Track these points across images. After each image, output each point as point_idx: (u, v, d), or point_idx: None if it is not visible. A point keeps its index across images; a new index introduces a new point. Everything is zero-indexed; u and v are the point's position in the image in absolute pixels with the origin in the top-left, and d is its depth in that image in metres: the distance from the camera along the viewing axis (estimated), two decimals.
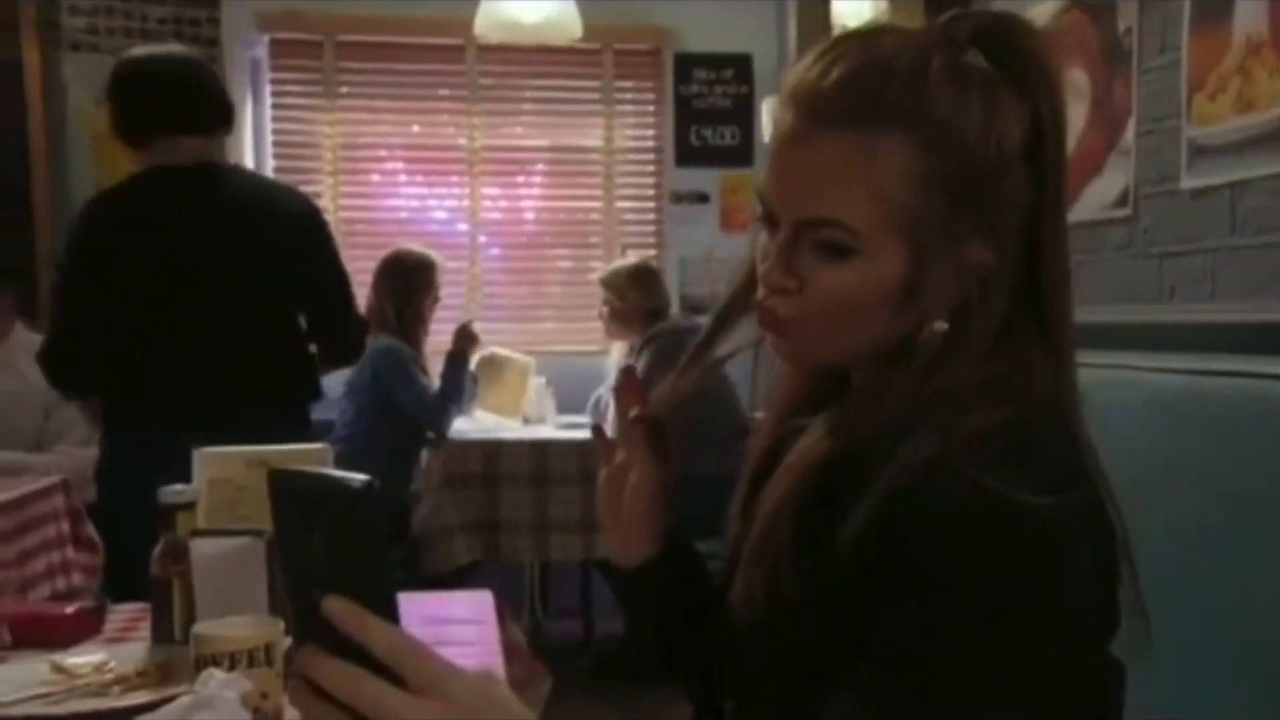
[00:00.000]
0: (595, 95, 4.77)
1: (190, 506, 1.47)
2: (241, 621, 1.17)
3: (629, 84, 4.80)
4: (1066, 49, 2.65)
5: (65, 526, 2.98)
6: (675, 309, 4.34)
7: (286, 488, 0.71)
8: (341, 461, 4.21)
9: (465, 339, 3.92)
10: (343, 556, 0.68)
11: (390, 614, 0.68)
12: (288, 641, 1.08)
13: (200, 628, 1.17)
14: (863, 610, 0.84)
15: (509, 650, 1.79)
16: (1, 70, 3.91)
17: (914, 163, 0.88)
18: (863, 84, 0.88)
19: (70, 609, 1.55)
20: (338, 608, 0.67)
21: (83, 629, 1.52)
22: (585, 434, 3.56)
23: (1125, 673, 0.95)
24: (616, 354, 4.22)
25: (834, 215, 0.90)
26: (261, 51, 4.53)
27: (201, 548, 1.38)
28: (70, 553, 2.98)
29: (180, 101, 2.54)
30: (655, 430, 1.07)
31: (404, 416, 3.82)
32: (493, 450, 3.79)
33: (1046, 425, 0.89)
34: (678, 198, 4.81)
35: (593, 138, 4.79)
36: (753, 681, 0.98)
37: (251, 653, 1.12)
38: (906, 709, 0.81)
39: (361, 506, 0.66)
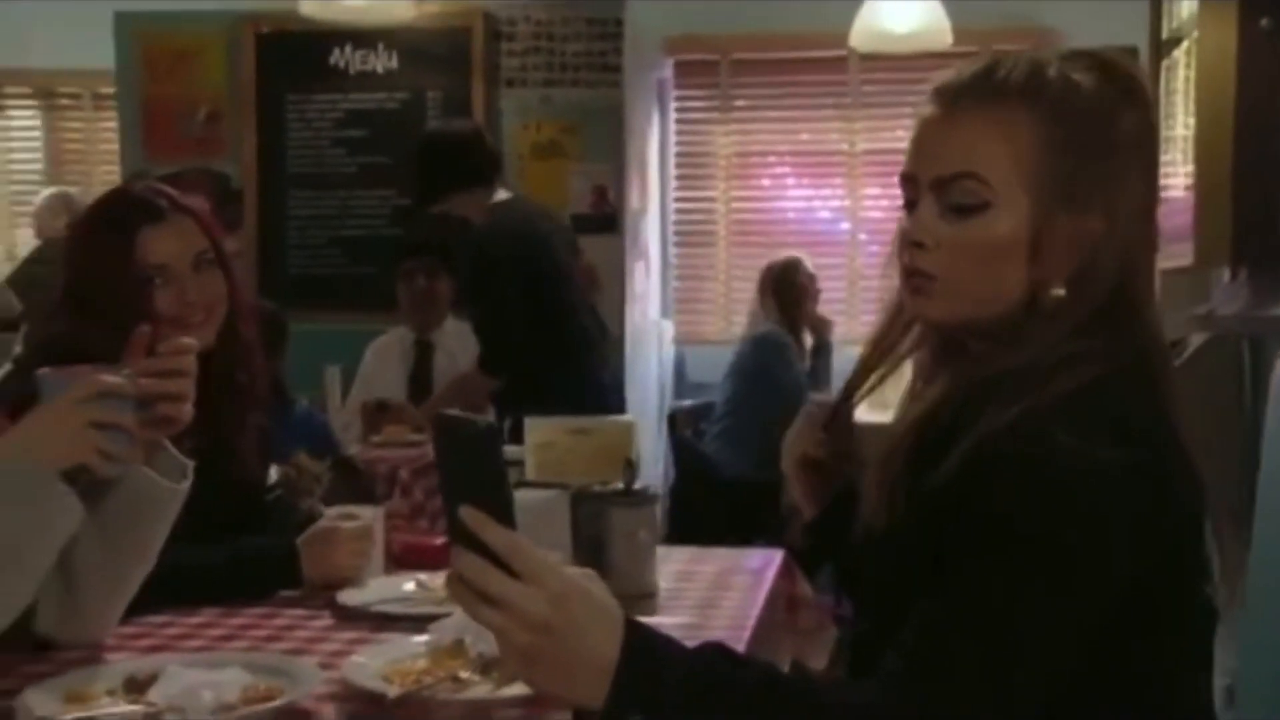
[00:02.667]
0: None
1: (518, 463, 1.86)
2: None
3: None
4: None
5: None
6: None
7: (443, 426, 0.91)
8: (720, 438, 4.65)
9: (821, 326, 4.43)
10: (474, 476, 0.88)
11: (508, 521, 0.87)
12: None
13: None
14: (938, 545, 1.00)
15: (796, 602, 2.04)
16: (456, 101, 4.63)
17: (1037, 128, 1.06)
18: (991, 72, 1.09)
19: (439, 540, 2.01)
20: (468, 513, 0.87)
21: (447, 557, 1.96)
22: None
23: (1215, 616, 1.08)
24: None
25: (969, 168, 1.07)
26: (667, 73, 5.04)
27: (520, 497, 1.76)
28: None
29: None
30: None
31: (773, 401, 4.20)
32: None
33: (1125, 392, 1.03)
34: None
35: None
36: (861, 598, 1.21)
37: None
38: (951, 627, 0.96)
39: (486, 440, 0.87)
